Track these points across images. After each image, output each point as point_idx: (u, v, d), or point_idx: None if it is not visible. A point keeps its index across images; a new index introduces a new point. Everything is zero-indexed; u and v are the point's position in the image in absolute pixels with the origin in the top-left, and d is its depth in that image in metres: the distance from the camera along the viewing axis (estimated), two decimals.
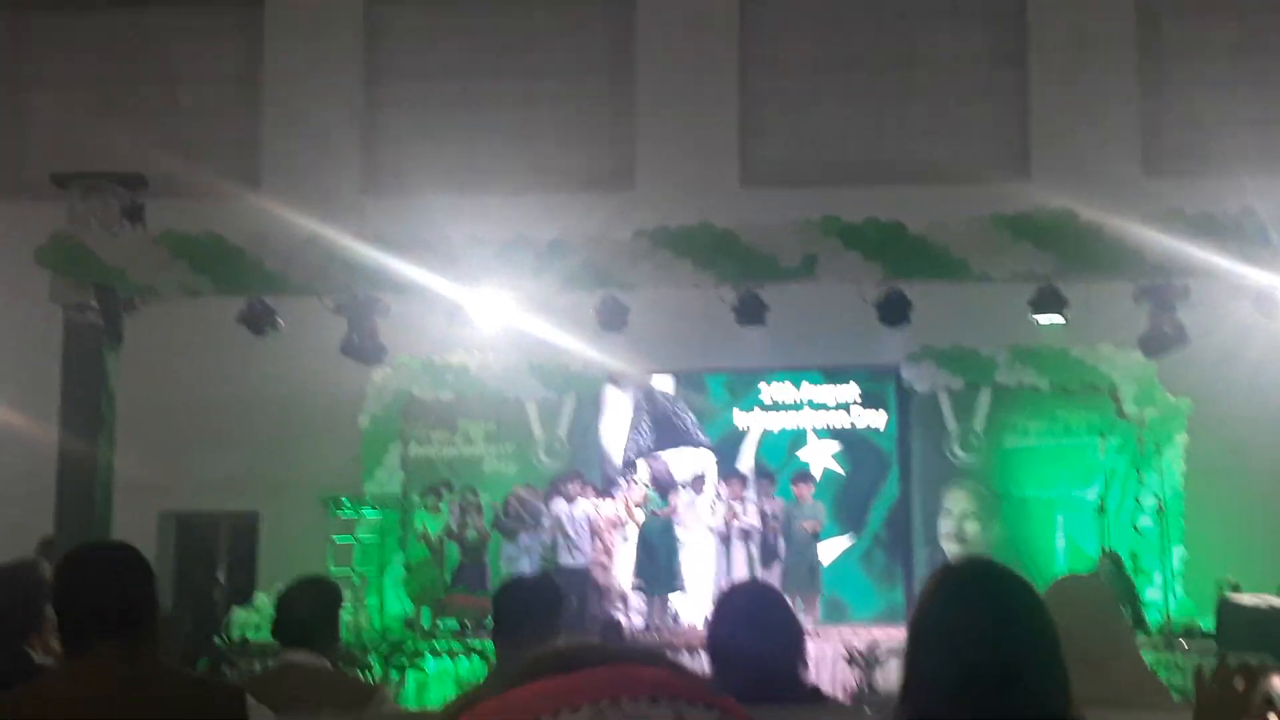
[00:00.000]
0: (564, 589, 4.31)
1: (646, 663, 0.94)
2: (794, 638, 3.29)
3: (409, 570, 13.22)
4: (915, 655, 2.18)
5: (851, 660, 11.36)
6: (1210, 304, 11.66)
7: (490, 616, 4.08)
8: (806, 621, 12.27)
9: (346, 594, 10.33)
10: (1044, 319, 11.29)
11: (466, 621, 12.26)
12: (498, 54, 15.67)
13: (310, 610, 4.44)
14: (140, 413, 12.63)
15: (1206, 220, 10.78)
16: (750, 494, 12.97)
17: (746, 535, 12.50)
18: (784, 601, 3.45)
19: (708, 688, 0.93)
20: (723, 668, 3.11)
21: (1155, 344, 11.60)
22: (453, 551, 12.93)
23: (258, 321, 11.11)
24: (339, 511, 13.29)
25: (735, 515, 12.43)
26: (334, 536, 13.24)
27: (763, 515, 12.76)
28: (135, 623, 2.80)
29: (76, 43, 15.97)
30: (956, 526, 13.91)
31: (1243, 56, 15.12)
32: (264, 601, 11.95)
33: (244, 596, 13.05)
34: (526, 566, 12.66)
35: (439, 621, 12.80)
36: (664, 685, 0.92)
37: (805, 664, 3.24)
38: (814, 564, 12.44)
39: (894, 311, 11.07)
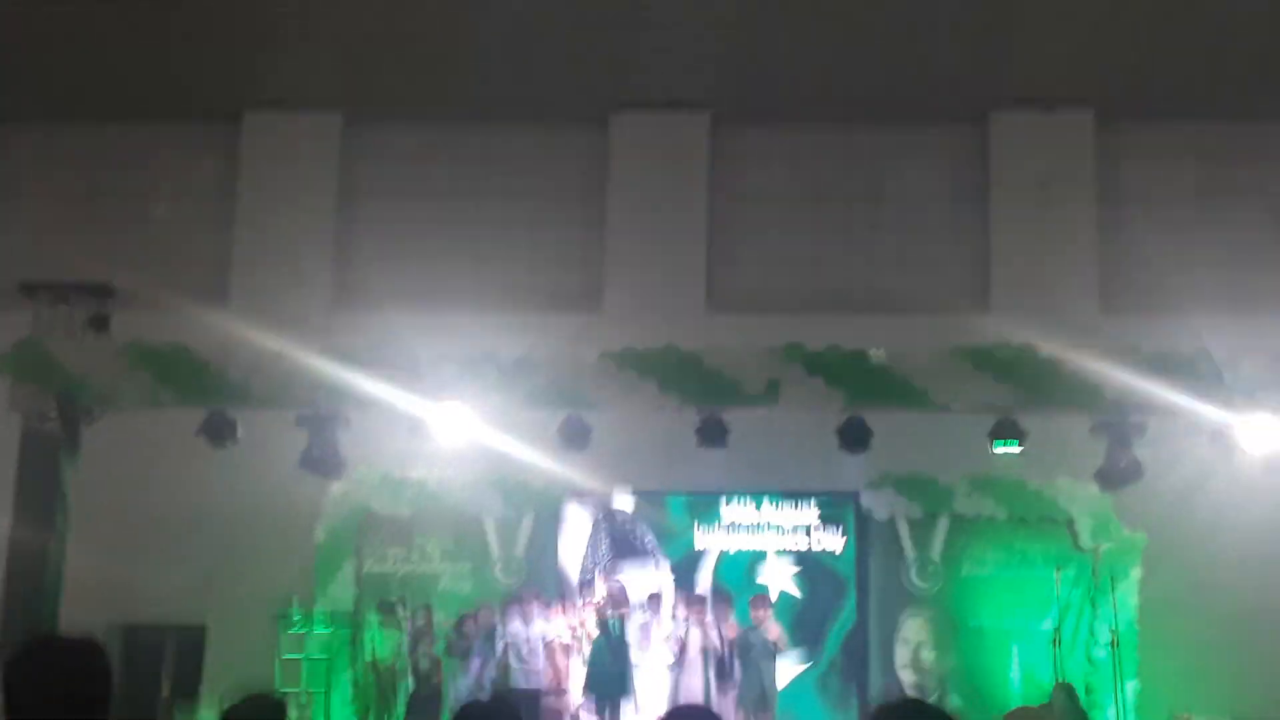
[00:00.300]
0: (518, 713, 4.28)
1: None
2: None
3: (357, 689, 12.99)
4: None
5: None
6: (1167, 440, 11.80)
7: None
8: None
9: (292, 713, 10.16)
10: (1002, 450, 11.40)
11: None
12: (471, 176, 15.89)
13: None
14: (94, 521, 12.46)
15: (1162, 359, 10.98)
16: (708, 616, 12.86)
17: (704, 655, 12.38)
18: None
19: None
20: None
21: (1112, 478, 11.71)
22: (404, 672, 12.71)
23: (218, 433, 11.07)
24: (290, 628, 13.08)
25: (689, 637, 12.33)
26: (283, 654, 13.00)
27: (720, 638, 12.64)
28: None
29: (52, 153, 16.08)
30: (913, 654, 13.82)
31: (1200, 200, 15.53)
32: (208, 717, 11.69)
33: (188, 711, 12.78)
34: (478, 685, 12.48)
35: None
36: None
37: None
38: (769, 687, 12.32)
39: (854, 438, 11.14)
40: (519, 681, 12.36)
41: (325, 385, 10.89)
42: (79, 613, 10.57)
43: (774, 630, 12.49)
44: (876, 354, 10.67)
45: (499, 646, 12.67)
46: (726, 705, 12.37)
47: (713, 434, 11.26)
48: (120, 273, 12.88)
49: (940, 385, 10.89)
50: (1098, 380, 10.78)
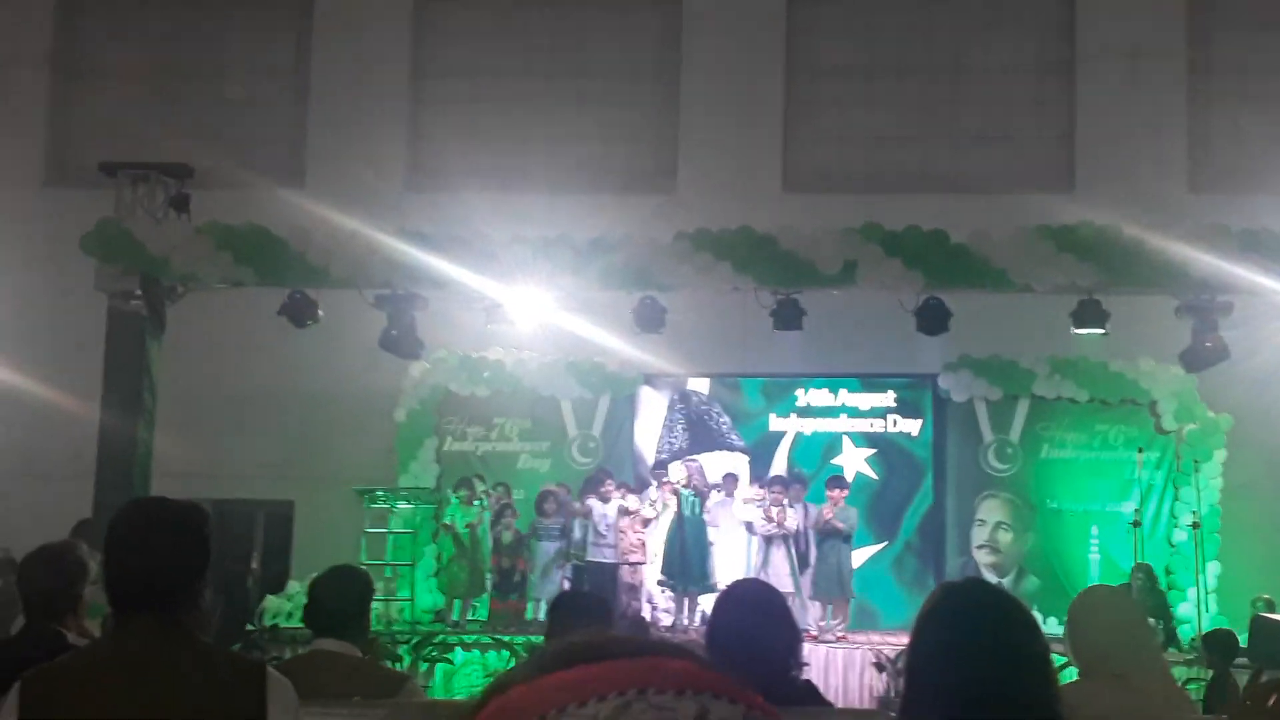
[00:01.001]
0: (597, 588, 4.40)
1: (675, 656, 0.96)
2: (788, 636, 3.40)
3: (440, 564, 13.29)
4: (914, 669, 2.31)
5: (880, 666, 11.33)
6: (1253, 321, 11.57)
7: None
8: (837, 626, 12.26)
9: (378, 585, 10.44)
10: (1084, 331, 11.25)
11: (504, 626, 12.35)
12: (544, 54, 15.73)
13: (342, 600, 4.49)
14: (181, 400, 12.78)
15: (1251, 238, 10.71)
16: (785, 498, 12.94)
17: (783, 538, 12.48)
18: (782, 601, 3.60)
19: (735, 683, 0.94)
20: (717, 658, 3.20)
21: (1196, 359, 11.53)
22: (485, 545, 12.98)
23: (299, 313, 11.23)
24: (373, 503, 13.38)
25: (771, 517, 12.42)
26: (367, 528, 13.32)
27: (796, 519, 12.72)
28: (175, 592, 2.75)
29: (127, 33, 16.14)
30: (990, 536, 13.83)
31: None
32: (297, 590, 12.06)
33: (278, 584, 13.17)
34: (559, 569, 12.69)
35: (469, 615, 12.88)
36: (691, 678, 0.93)
37: (798, 663, 3.39)
38: (844, 569, 12.40)
39: (933, 320, 11.07)
40: (594, 554, 12.57)
41: (401, 267, 10.98)
42: (169, 491, 10.85)
43: (850, 513, 12.53)
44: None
45: (576, 523, 12.85)
46: (803, 586, 12.48)
47: (788, 316, 11.24)
48: (198, 153, 12.98)
49: (1021, 265, 10.75)
50: (1183, 260, 10.57)
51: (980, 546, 13.78)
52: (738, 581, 4.09)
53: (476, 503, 13.03)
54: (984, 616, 2.25)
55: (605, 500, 12.75)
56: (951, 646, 2.21)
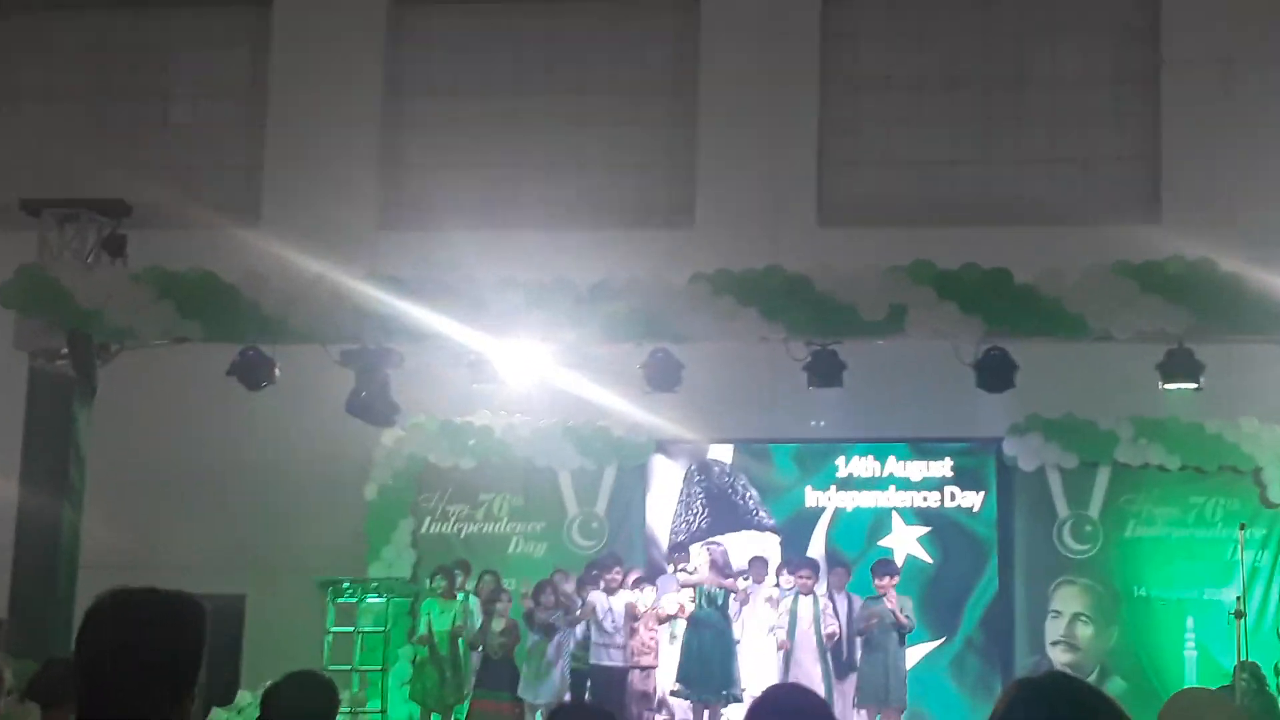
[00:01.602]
0: (602, 698, 4.42)
1: None
2: None
3: (417, 669, 13.23)
4: None
5: None
6: None
7: None
8: None
9: (344, 695, 10.39)
10: (1174, 387, 11.24)
11: None
12: (539, 67, 15.85)
13: (302, 713, 4.49)
14: (113, 477, 12.78)
15: None
16: (821, 587, 12.89)
17: (818, 633, 12.41)
18: (827, 713, 3.56)
19: None
20: None
21: None
22: (464, 650, 12.92)
23: (252, 373, 11.26)
24: (338, 597, 13.35)
25: (800, 612, 12.36)
26: (331, 627, 13.28)
27: (835, 613, 12.67)
28: (158, 704, 2.68)
29: (57, 48, 16.25)
30: (1067, 630, 13.74)
31: None
32: (249, 701, 12.01)
33: (226, 695, 13.10)
34: (559, 671, 12.64)
35: None
36: None
37: None
38: (895, 672, 12.33)
39: (996, 374, 11.06)
40: (600, 659, 12.51)
41: (373, 317, 11.03)
42: (98, 583, 10.84)
43: (901, 603, 12.47)
44: None
45: (578, 619, 12.79)
46: (845, 691, 12.41)
47: (826, 371, 11.24)
48: (136, 187, 13.09)
49: (1099, 309, 10.76)
50: None
51: (1055, 642, 13.69)
52: (773, 689, 4.05)
53: (460, 595, 12.98)
54: (1070, 718, 2.26)
55: (612, 591, 12.70)
56: None
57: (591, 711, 4.83)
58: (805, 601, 12.56)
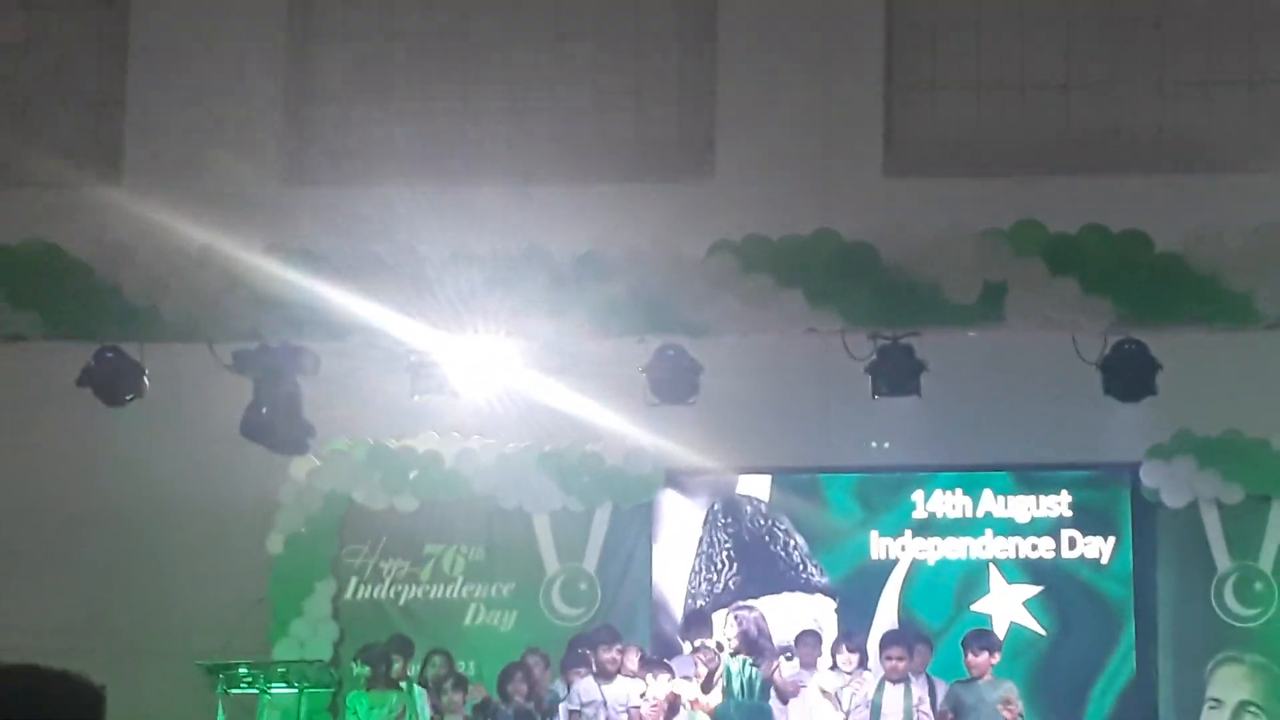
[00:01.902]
0: None
1: None
2: None
3: None
4: None
5: None
6: None
7: None
8: None
9: None
10: None
11: None
12: None
13: None
14: None
15: None
16: (899, 665, 12.86)
17: None
18: None
19: None
20: None
21: None
22: None
23: (112, 383, 11.21)
24: (232, 687, 13.30)
25: (891, 706, 12.35)
26: None
27: (916, 701, 12.66)
28: None
29: None
30: None
31: None
32: None
33: None
34: None
35: None
36: None
37: None
38: None
39: (1130, 377, 11.00)
40: None
41: (278, 305, 10.99)
42: None
43: (1003, 689, 12.46)
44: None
45: (562, 711, 12.78)
46: None
47: (897, 374, 11.21)
48: None
49: (1270, 285, 10.72)
50: None
51: None
52: None
53: (401, 687, 12.96)
54: None
55: (607, 678, 12.69)
56: None
57: None
58: (894, 692, 12.55)
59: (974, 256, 10.87)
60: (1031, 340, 11.41)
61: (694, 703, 12.73)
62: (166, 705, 13.60)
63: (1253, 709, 13.82)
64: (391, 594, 14.46)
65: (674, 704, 12.75)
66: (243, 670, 13.36)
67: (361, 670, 12.97)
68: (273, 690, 13.50)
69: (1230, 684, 13.82)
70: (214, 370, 11.46)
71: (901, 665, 12.64)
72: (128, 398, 11.34)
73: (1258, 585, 13.92)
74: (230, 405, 11.65)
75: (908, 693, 12.57)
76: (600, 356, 12.09)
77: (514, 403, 13.26)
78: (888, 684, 12.60)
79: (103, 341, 11.28)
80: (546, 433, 14.02)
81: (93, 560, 14.45)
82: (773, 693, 12.80)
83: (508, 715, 12.79)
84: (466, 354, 11.57)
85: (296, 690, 13.47)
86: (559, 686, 13.08)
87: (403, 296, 11.08)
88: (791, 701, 12.86)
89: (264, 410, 11.53)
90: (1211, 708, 13.81)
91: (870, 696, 12.55)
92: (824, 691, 12.79)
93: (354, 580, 14.49)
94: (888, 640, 12.96)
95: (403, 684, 13.02)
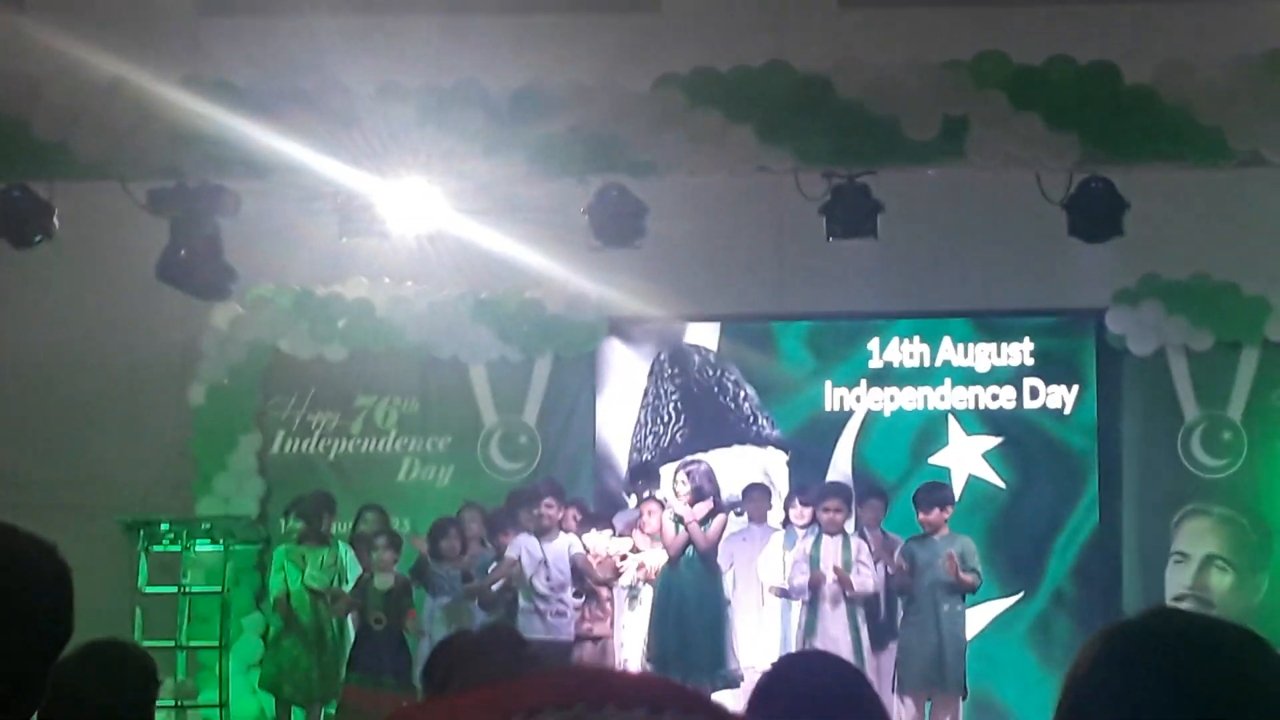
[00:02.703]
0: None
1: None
2: None
3: (270, 646, 13.28)
4: None
5: None
6: None
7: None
8: None
9: (166, 682, 10.37)
10: None
11: None
12: None
13: (105, 698, 4.47)
14: None
15: None
16: (850, 524, 12.95)
17: (842, 587, 12.50)
18: (867, 689, 3.57)
19: (717, 705, 1.04)
20: None
21: None
22: (333, 626, 12.94)
23: (19, 224, 11.14)
24: (154, 544, 13.34)
25: (819, 556, 12.42)
26: (144, 586, 13.30)
27: (869, 557, 12.75)
28: None
29: None
30: (1196, 579, 13.95)
31: None
32: None
33: None
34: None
35: None
36: (665, 694, 1.02)
37: None
38: (952, 643, 12.43)
39: (1096, 217, 11.01)
40: (535, 627, 12.58)
41: (196, 141, 10.91)
42: None
43: (959, 544, 12.57)
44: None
45: (498, 573, 12.83)
46: (881, 665, 12.52)
47: (852, 215, 11.21)
48: None
49: (1243, 120, 10.73)
50: None
51: (1180, 597, 13.86)
52: (791, 659, 4.07)
53: (330, 545, 13.00)
54: (1195, 668, 2.16)
55: (545, 533, 12.74)
56: None
57: (491, 633, 4.83)
58: (831, 544, 12.61)
59: (934, 90, 10.85)
60: (993, 179, 11.43)
61: (640, 565, 12.78)
62: (86, 563, 13.45)
63: (1219, 562, 14.00)
64: (321, 448, 14.48)
65: (616, 561, 12.81)
66: (165, 526, 13.41)
67: (294, 525, 13.00)
68: (197, 547, 13.56)
69: (1196, 537, 14.00)
70: (128, 210, 11.40)
71: (839, 518, 12.67)
72: (36, 239, 11.27)
73: (1226, 435, 14.05)
74: (146, 247, 11.58)
75: (845, 545, 12.63)
76: (540, 198, 12.08)
77: (448, 247, 13.21)
78: (825, 537, 12.65)
79: (9, 180, 11.21)
80: (483, 279, 13.98)
81: (2, 412, 14.41)
82: (721, 548, 12.86)
83: (443, 578, 12.83)
84: (397, 195, 11.52)
85: (222, 547, 13.53)
86: (498, 542, 13.11)
87: (328, 133, 11.01)
88: (737, 557, 12.94)
89: (182, 253, 11.48)
90: (1177, 561, 13.98)
91: (808, 551, 12.61)
92: (770, 544, 12.87)
93: (281, 433, 14.49)
94: (825, 492, 12.99)
95: (330, 545, 13.04)
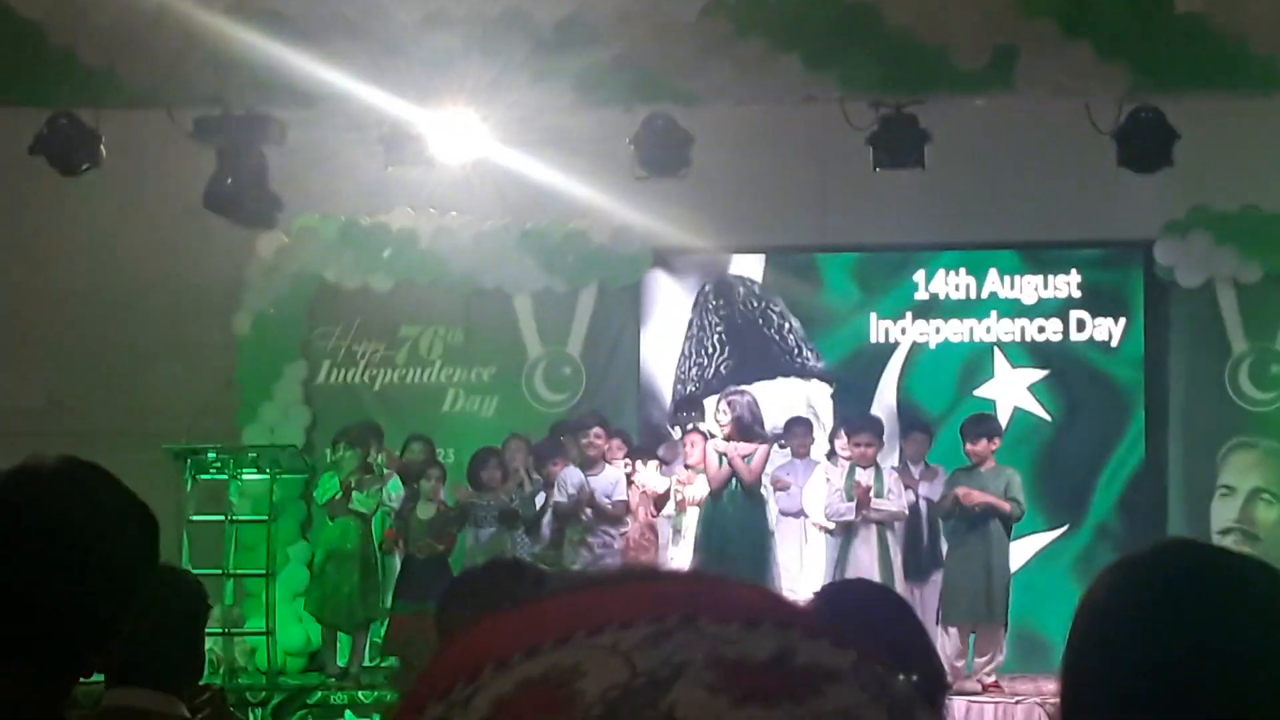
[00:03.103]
0: None
1: (740, 584, 1.02)
2: (927, 678, 3.38)
3: (316, 574, 13.34)
4: (1075, 695, 2.23)
5: None
6: None
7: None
8: (985, 668, 12.32)
9: (214, 609, 10.41)
10: None
11: (414, 659, 12.37)
12: None
13: (154, 625, 4.47)
14: None
15: None
16: (893, 456, 12.94)
17: (885, 524, 12.50)
18: (914, 619, 3.56)
19: (834, 625, 1.00)
20: None
21: None
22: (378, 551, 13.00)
23: (67, 152, 11.17)
24: (200, 473, 13.39)
25: (868, 490, 12.40)
26: (191, 515, 13.36)
27: (914, 489, 12.74)
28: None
29: None
30: (1242, 513, 13.89)
31: None
32: None
33: None
34: None
35: (370, 659, 12.99)
36: (768, 606, 0.98)
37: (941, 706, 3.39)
38: (996, 576, 12.43)
39: (1146, 148, 10.98)
40: (578, 561, 12.61)
41: (242, 69, 10.91)
42: None
43: (1005, 476, 12.55)
44: None
45: (543, 504, 12.85)
46: (925, 601, 12.52)
47: (900, 145, 11.19)
48: None
49: None
50: None
51: (1226, 530, 13.82)
52: (838, 586, 4.08)
53: (374, 473, 13.04)
54: (1203, 600, 2.15)
55: (592, 465, 12.76)
56: (1146, 654, 2.13)
57: (504, 567, 4.82)
58: (864, 476, 12.59)
59: (983, 18, 10.79)
60: (1042, 109, 11.36)
61: (680, 500, 12.79)
62: (132, 488, 13.71)
63: (1266, 495, 13.96)
64: (366, 378, 14.51)
65: (665, 494, 12.83)
66: (211, 455, 13.45)
67: (343, 454, 13.03)
68: (243, 476, 13.60)
69: (1243, 470, 13.95)
70: (174, 138, 11.42)
71: (870, 451, 12.65)
72: (83, 167, 11.32)
73: (1274, 368, 13.97)
74: (192, 176, 11.62)
75: (878, 477, 12.62)
76: (585, 127, 12.05)
77: (493, 177, 13.21)
78: (858, 469, 12.63)
79: (56, 108, 11.23)
80: (528, 209, 13.96)
81: (49, 340, 14.45)
82: (767, 481, 12.86)
83: (488, 509, 12.85)
84: (442, 125, 11.52)
85: (268, 476, 13.58)
86: (543, 473, 13.14)
87: (373, 62, 11.02)
88: (784, 492, 12.95)
89: (228, 181, 11.51)
90: (1223, 494, 13.94)
91: (842, 483, 12.60)
92: (813, 476, 12.86)
93: (326, 363, 14.52)
94: (855, 426, 12.96)
95: (373, 473, 13.08)
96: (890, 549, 12.51)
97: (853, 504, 12.35)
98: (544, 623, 0.97)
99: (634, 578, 1.01)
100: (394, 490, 13.03)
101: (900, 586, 12.37)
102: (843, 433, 13.06)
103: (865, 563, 12.40)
